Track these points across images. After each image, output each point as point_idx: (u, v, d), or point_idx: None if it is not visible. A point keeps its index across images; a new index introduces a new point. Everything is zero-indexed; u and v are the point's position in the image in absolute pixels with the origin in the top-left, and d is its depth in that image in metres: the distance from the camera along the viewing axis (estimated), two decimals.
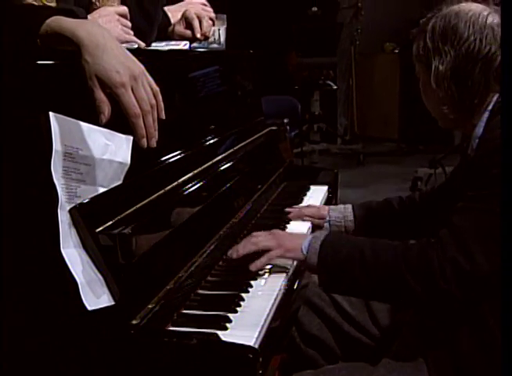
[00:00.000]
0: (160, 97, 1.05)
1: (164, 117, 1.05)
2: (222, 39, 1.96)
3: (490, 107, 1.30)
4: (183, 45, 1.67)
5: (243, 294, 1.20)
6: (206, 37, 1.87)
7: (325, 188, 2.04)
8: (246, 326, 1.08)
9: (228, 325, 1.07)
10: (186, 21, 1.86)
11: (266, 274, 1.32)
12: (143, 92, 1.00)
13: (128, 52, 1.02)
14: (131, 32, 1.40)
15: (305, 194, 1.96)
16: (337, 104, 7.00)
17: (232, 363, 0.93)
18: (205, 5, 1.94)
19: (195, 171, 1.38)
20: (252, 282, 1.26)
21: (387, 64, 6.75)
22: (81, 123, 1.01)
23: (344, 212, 1.70)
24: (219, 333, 1.02)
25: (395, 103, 6.72)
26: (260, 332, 1.06)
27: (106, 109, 0.98)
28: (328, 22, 6.48)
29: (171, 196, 1.22)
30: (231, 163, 1.57)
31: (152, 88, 1.03)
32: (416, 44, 1.36)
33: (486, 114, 1.31)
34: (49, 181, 0.93)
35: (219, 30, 1.95)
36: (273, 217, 1.72)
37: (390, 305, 1.53)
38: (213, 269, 1.32)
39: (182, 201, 1.26)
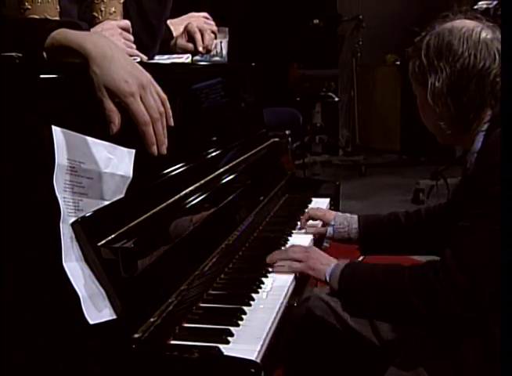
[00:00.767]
0: (168, 104, 1.06)
1: (172, 124, 1.06)
2: (224, 52, 1.97)
3: (487, 121, 1.31)
4: (185, 59, 1.68)
5: (245, 308, 1.20)
6: (208, 51, 1.89)
7: (327, 200, 2.05)
8: (248, 340, 1.07)
9: (230, 339, 1.07)
10: (188, 34, 1.87)
11: (268, 287, 1.32)
12: (152, 100, 1.01)
13: (134, 62, 1.03)
14: (134, 46, 1.40)
15: (307, 207, 1.96)
16: (338, 116, 7.01)
17: None
18: (207, 18, 1.96)
19: (197, 184, 1.38)
20: (254, 295, 1.26)
21: (389, 76, 6.77)
22: (84, 136, 1.01)
23: (349, 220, 1.71)
24: (221, 347, 1.01)
25: (397, 114, 6.73)
26: (262, 346, 1.06)
27: (117, 119, 0.99)
28: (330, 34, 6.50)
29: (173, 209, 1.22)
30: (233, 176, 1.58)
31: (160, 96, 1.04)
32: (412, 62, 1.38)
33: (484, 128, 1.32)
34: (52, 194, 0.93)
35: (221, 43, 1.96)
36: (275, 230, 1.72)
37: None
38: (215, 282, 1.32)
39: (184, 214, 1.26)
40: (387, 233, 1.69)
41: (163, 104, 1.04)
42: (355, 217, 1.72)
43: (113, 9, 1.41)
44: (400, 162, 6.58)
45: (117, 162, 1.07)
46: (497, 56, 1.28)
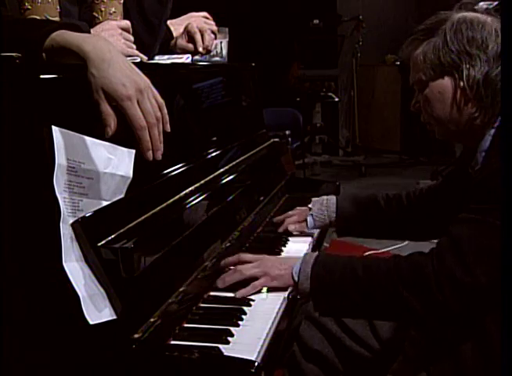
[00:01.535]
0: (165, 110, 1.06)
1: (169, 130, 1.06)
2: (224, 52, 1.97)
3: (496, 120, 1.29)
4: (185, 59, 1.67)
5: (245, 308, 1.20)
6: (208, 51, 1.88)
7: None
8: (248, 340, 1.07)
9: (230, 339, 1.07)
10: (188, 35, 1.87)
11: (268, 289, 1.31)
12: (149, 104, 1.01)
13: (133, 66, 1.03)
14: (134, 46, 1.40)
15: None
16: (338, 116, 7.02)
17: None
18: (207, 18, 1.95)
19: (197, 184, 1.38)
20: (254, 296, 1.26)
21: (389, 76, 6.77)
22: (84, 137, 1.01)
23: (326, 204, 1.68)
24: (221, 347, 1.01)
25: (397, 114, 6.74)
26: (262, 346, 1.06)
27: (113, 122, 0.99)
28: (330, 34, 6.51)
29: (173, 209, 1.22)
30: (233, 176, 1.58)
31: (157, 101, 1.04)
32: (434, 52, 1.30)
33: (492, 126, 1.29)
34: (52, 194, 0.93)
35: (221, 43, 1.96)
36: (275, 230, 1.71)
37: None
38: (215, 282, 1.32)
39: (184, 215, 1.26)
40: (364, 216, 1.66)
41: (160, 109, 1.04)
42: (332, 199, 1.69)
43: (113, 10, 1.41)
44: (400, 162, 6.58)
45: (117, 162, 1.07)
46: None
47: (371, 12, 6.68)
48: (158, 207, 1.17)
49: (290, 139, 2.28)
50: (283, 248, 1.59)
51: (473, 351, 1.22)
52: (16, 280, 0.95)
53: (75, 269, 0.94)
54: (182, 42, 1.88)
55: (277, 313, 1.20)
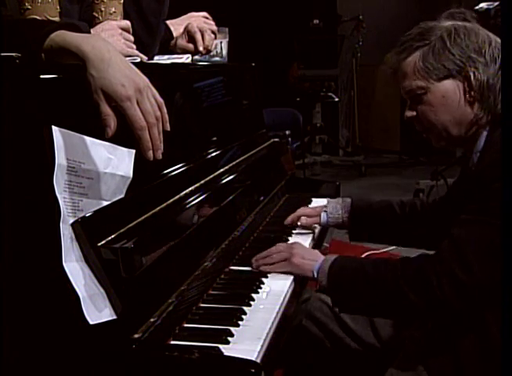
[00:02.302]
0: (164, 109, 1.06)
1: (168, 129, 1.06)
2: (224, 52, 1.97)
3: (489, 121, 1.32)
4: (185, 59, 1.67)
5: (245, 308, 1.20)
6: (208, 51, 1.88)
7: (327, 201, 2.04)
8: (248, 340, 1.07)
9: (230, 339, 1.07)
10: (188, 35, 1.87)
11: (268, 288, 1.31)
12: (148, 104, 1.01)
13: (132, 66, 1.03)
14: (134, 46, 1.40)
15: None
16: (338, 116, 7.02)
17: None
18: (207, 18, 1.95)
19: (197, 184, 1.38)
20: (254, 295, 1.26)
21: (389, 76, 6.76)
22: (84, 137, 1.01)
23: (341, 203, 1.70)
24: (221, 347, 1.01)
25: (397, 114, 6.72)
26: (262, 346, 1.06)
27: (112, 122, 0.99)
28: (329, 34, 6.52)
29: (173, 209, 1.22)
30: (233, 176, 1.58)
31: (157, 101, 1.04)
32: (434, 56, 1.33)
33: (487, 128, 1.32)
34: (52, 194, 0.93)
35: (221, 43, 1.96)
36: (275, 230, 1.72)
37: (393, 321, 1.53)
38: (215, 282, 1.32)
39: (184, 214, 1.26)
40: (377, 222, 1.67)
41: (159, 109, 1.04)
42: (349, 201, 1.70)
43: (113, 9, 1.41)
44: (400, 162, 6.58)
45: (117, 162, 1.07)
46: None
47: (371, 12, 6.67)
48: (158, 207, 1.17)
49: (290, 139, 2.28)
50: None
51: (472, 347, 1.24)
52: (16, 280, 0.95)
53: (75, 269, 0.94)
54: (182, 42, 1.88)
55: (277, 313, 1.20)
